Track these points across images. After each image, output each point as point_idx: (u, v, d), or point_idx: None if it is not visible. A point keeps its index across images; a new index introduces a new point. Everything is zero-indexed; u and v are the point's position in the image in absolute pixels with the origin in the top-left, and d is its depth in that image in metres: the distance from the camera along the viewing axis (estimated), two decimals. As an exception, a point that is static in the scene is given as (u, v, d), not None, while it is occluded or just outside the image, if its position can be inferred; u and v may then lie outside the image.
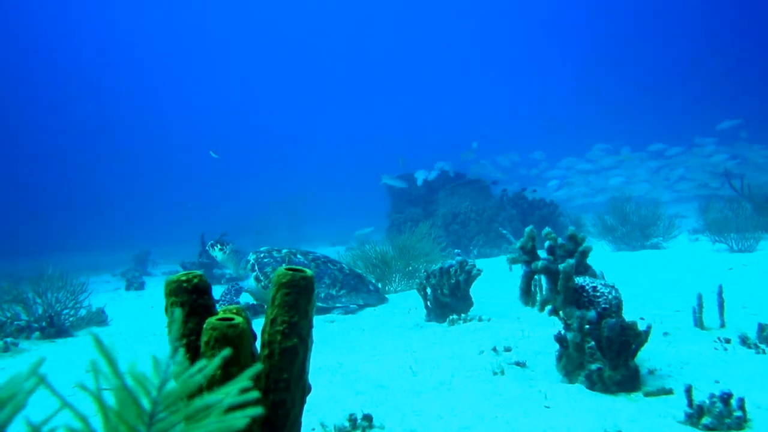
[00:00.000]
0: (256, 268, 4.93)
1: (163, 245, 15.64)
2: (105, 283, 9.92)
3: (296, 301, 1.55)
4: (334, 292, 4.91)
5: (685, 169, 11.78)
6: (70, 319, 4.76)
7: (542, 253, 2.74)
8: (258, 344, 1.58)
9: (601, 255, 7.03)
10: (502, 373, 2.71)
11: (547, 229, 2.75)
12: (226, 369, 1.37)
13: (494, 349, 3.05)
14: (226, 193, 32.83)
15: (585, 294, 2.52)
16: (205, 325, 1.51)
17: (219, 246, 5.04)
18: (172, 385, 0.88)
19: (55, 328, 4.58)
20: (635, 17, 42.84)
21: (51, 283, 4.61)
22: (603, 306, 2.46)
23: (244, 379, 0.92)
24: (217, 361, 0.92)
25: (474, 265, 4.26)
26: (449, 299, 4.19)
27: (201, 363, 0.91)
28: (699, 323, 3.09)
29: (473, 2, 47.43)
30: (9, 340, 4.05)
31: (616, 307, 2.47)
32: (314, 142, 49.51)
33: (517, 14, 47.94)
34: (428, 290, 4.26)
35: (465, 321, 3.94)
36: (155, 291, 8.24)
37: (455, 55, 50.31)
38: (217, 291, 5.90)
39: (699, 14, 38.32)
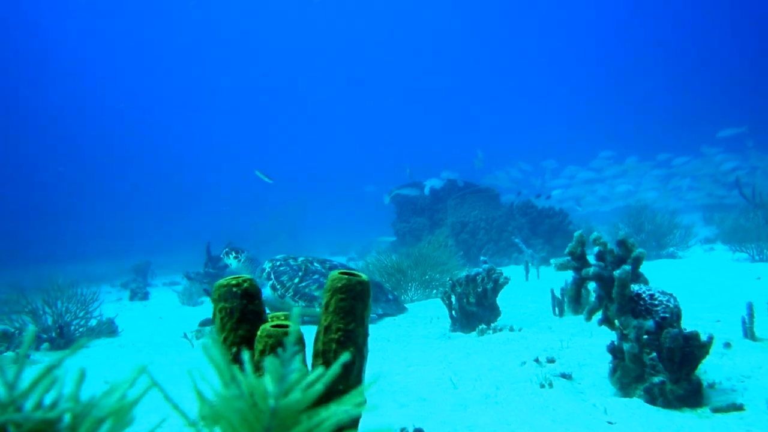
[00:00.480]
0: (272, 276, 4.78)
1: (158, 256, 15.38)
2: (106, 294, 9.73)
3: (352, 307, 1.44)
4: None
5: (692, 178, 11.70)
6: (80, 329, 4.60)
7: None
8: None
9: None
10: (550, 385, 2.56)
11: (595, 234, 2.62)
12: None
13: (537, 360, 2.91)
14: (221, 203, 32.59)
15: (642, 302, 2.38)
16: (259, 333, 1.40)
17: (234, 253, 4.89)
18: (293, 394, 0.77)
19: (64, 339, 4.42)
20: (643, 24, 43.08)
21: (61, 292, 4.44)
22: (662, 315, 2.33)
23: (360, 394, 0.81)
24: (336, 368, 0.80)
25: (501, 273, 4.12)
26: (476, 308, 4.05)
27: (318, 370, 0.80)
28: (750, 334, 2.95)
29: (479, 8, 47.40)
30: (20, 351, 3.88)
31: (677, 316, 2.34)
32: (314, 149, 49.43)
33: (522, 23, 47.94)
34: (453, 299, 4.13)
35: (495, 331, 3.81)
36: (160, 301, 8.08)
37: (461, 62, 50.25)
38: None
39: (704, 19, 38.54)
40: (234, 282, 1.57)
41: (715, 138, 12.30)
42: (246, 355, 0.78)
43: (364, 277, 1.46)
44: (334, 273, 1.44)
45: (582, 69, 46.16)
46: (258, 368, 1.27)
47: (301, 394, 0.76)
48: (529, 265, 6.70)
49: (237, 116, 52.93)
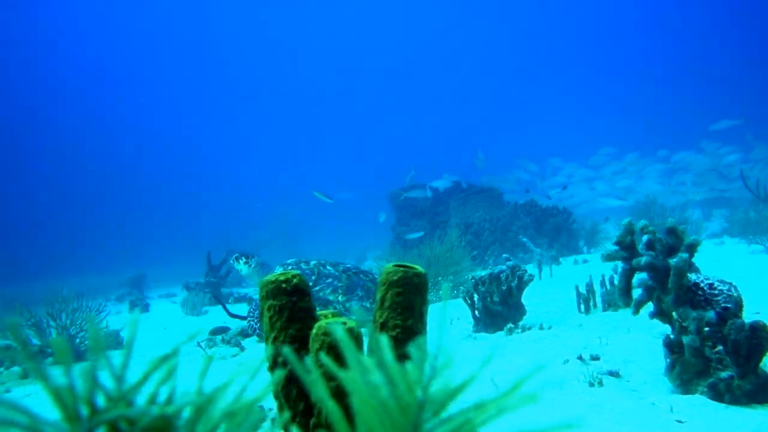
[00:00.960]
0: (285, 281, 4.60)
1: (148, 268, 15.09)
2: (102, 307, 9.50)
3: (410, 302, 1.29)
4: (368, 305, 4.60)
5: (693, 173, 11.63)
6: (86, 342, 4.40)
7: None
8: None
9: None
10: (601, 384, 2.41)
11: (643, 222, 2.49)
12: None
13: (580, 358, 2.76)
14: (214, 211, 32.24)
15: (700, 292, 2.24)
16: (315, 330, 1.24)
17: (244, 259, 4.71)
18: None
19: (70, 353, 4.22)
20: (642, 17, 43.32)
21: (65, 304, 4.25)
22: (723, 305, 2.19)
23: (522, 384, 0.66)
24: (488, 360, 0.65)
25: (525, 270, 3.98)
26: (500, 307, 3.90)
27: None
28: (800, 323, 2.81)
29: (479, 9, 47.31)
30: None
31: (739, 306, 2.20)
32: (311, 154, 49.12)
33: (523, 23, 47.92)
34: (476, 298, 3.98)
35: (523, 330, 3.66)
36: (161, 312, 7.88)
37: (459, 64, 50.13)
38: (230, 308, 5.57)
39: (703, 15, 38.87)
40: (282, 278, 1.41)
41: (709, 132, 12.22)
42: (384, 339, 0.64)
43: (420, 269, 1.31)
44: (389, 266, 1.30)
45: (581, 69, 46.32)
46: (320, 366, 1.14)
47: (452, 384, 0.62)
48: (541, 263, 6.56)
49: (232, 122, 52.56)
